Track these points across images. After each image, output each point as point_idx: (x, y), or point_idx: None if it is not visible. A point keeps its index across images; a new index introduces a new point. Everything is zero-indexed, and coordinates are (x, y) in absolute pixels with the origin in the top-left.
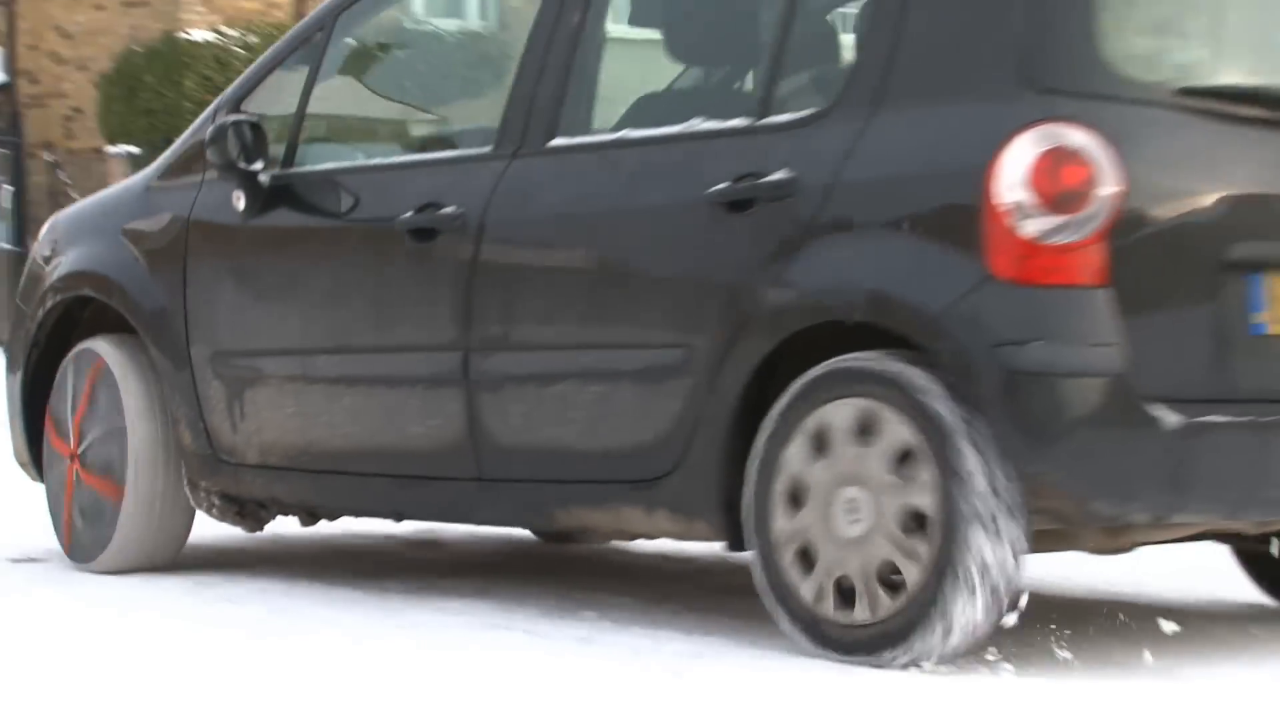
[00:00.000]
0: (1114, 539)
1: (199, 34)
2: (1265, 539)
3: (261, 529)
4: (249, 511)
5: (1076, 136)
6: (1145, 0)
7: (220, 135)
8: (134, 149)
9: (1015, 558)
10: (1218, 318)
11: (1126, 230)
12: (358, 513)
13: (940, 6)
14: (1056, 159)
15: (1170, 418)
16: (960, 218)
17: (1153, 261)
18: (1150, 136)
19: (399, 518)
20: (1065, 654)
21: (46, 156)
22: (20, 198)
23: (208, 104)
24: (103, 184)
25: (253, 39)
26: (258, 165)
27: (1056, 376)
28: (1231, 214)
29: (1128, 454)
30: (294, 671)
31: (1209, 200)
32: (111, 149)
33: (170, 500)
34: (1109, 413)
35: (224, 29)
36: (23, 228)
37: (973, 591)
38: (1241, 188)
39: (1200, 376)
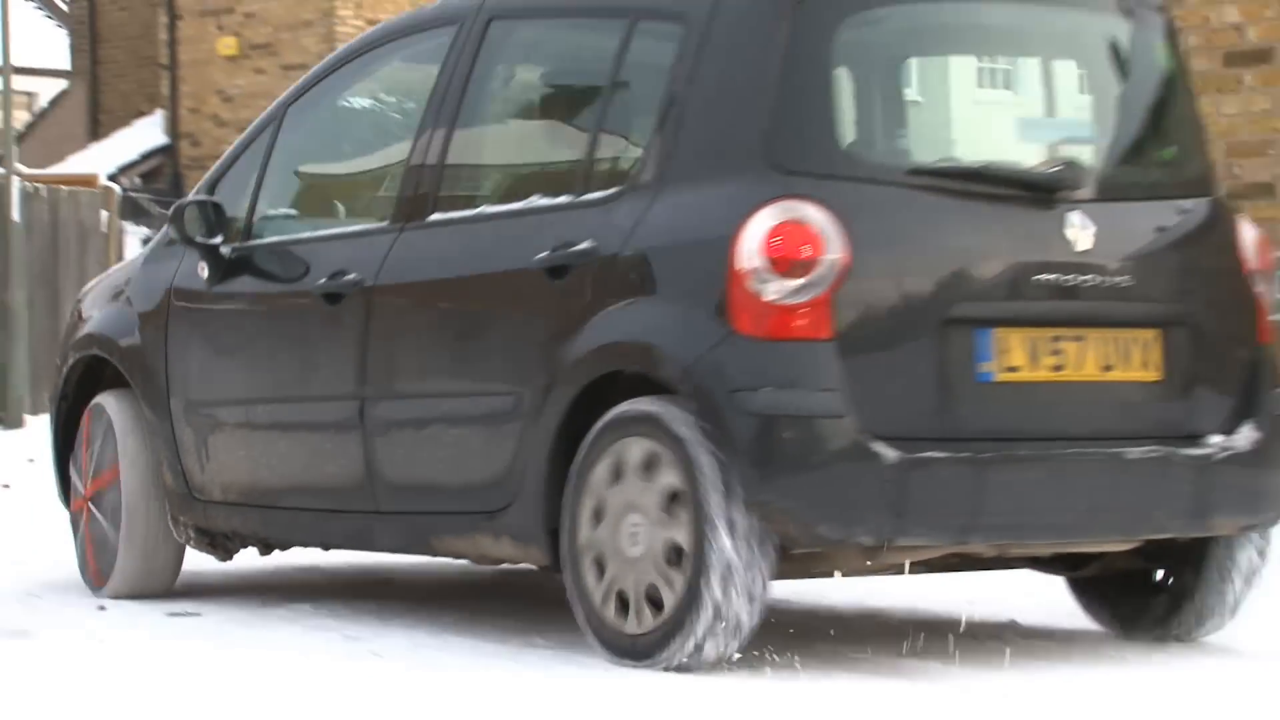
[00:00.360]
0: (864, 561)
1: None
2: (1076, 565)
3: (231, 558)
4: (219, 543)
5: (808, 211)
6: (879, 93)
7: (178, 214)
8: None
9: (760, 577)
10: (944, 367)
11: (852, 292)
12: (297, 543)
13: (711, 102)
14: (789, 230)
15: (890, 453)
16: (712, 282)
17: (877, 318)
18: (878, 210)
19: (326, 547)
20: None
21: None
22: None
23: None
24: None
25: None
26: (217, 239)
27: (782, 417)
28: (957, 276)
29: (849, 484)
30: None
31: (933, 265)
32: None
33: (159, 535)
34: (831, 448)
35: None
36: None
37: (718, 608)
38: (967, 254)
39: (926, 418)
